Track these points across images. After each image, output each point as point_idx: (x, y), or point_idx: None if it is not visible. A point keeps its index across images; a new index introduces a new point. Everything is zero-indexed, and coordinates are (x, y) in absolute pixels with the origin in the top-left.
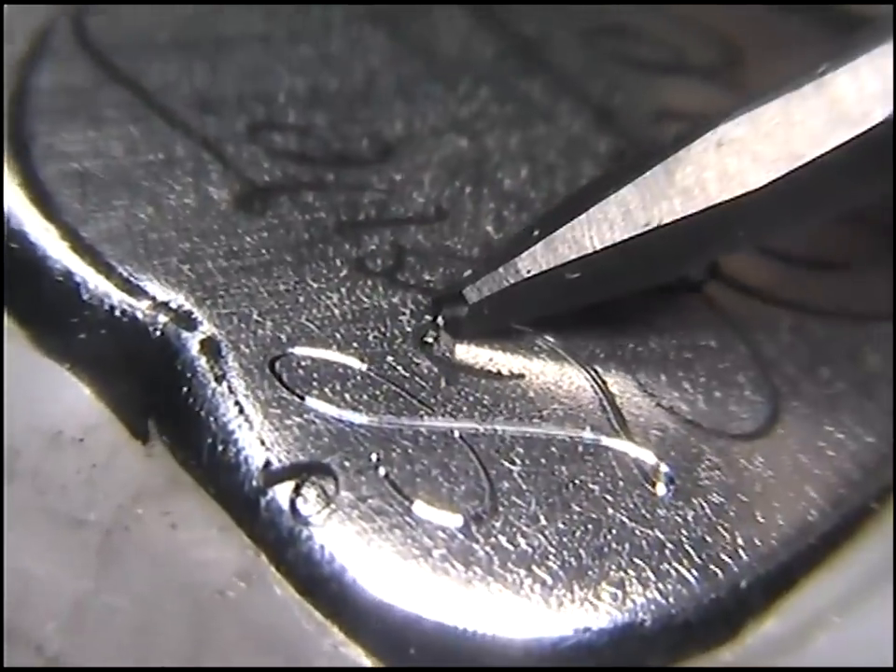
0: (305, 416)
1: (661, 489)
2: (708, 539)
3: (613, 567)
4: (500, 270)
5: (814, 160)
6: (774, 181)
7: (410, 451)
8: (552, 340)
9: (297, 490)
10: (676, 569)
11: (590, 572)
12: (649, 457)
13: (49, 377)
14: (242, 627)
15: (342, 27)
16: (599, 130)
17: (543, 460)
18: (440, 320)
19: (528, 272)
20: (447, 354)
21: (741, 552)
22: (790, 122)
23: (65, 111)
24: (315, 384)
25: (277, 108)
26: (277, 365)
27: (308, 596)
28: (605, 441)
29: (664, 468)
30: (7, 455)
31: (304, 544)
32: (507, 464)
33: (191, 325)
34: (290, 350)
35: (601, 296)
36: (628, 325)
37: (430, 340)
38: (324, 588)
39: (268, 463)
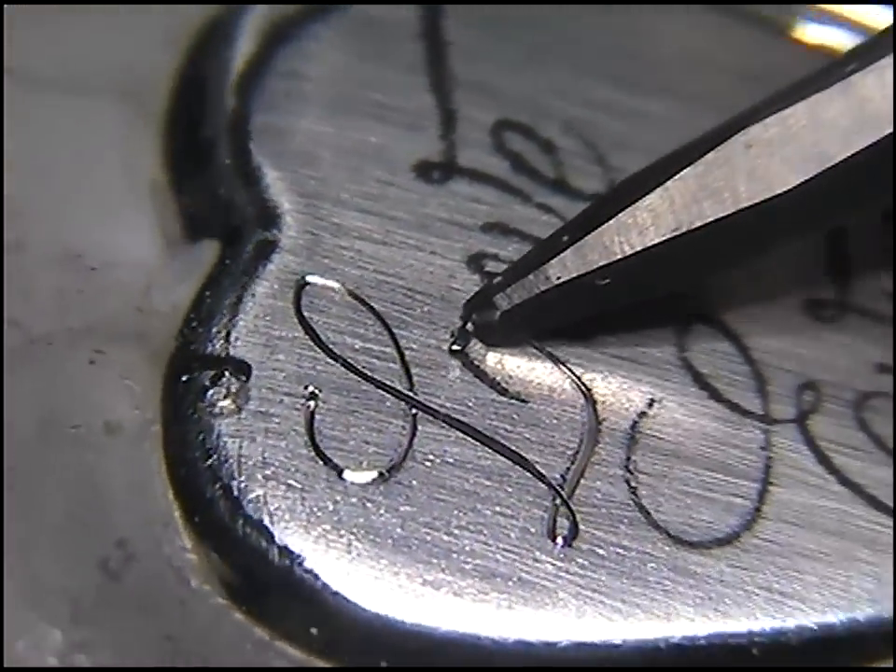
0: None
1: None
2: None
3: None
4: (531, 277)
5: (843, 160)
6: (803, 182)
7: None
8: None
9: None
10: None
11: None
12: None
13: None
14: None
15: None
16: None
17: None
18: (469, 327)
19: (558, 278)
20: (478, 361)
21: None
22: (818, 123)
23: None
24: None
25: None
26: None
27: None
28: None
29: None
30: None
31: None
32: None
33: None
34: None
35: (631, 301)
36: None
37: (458, 347)
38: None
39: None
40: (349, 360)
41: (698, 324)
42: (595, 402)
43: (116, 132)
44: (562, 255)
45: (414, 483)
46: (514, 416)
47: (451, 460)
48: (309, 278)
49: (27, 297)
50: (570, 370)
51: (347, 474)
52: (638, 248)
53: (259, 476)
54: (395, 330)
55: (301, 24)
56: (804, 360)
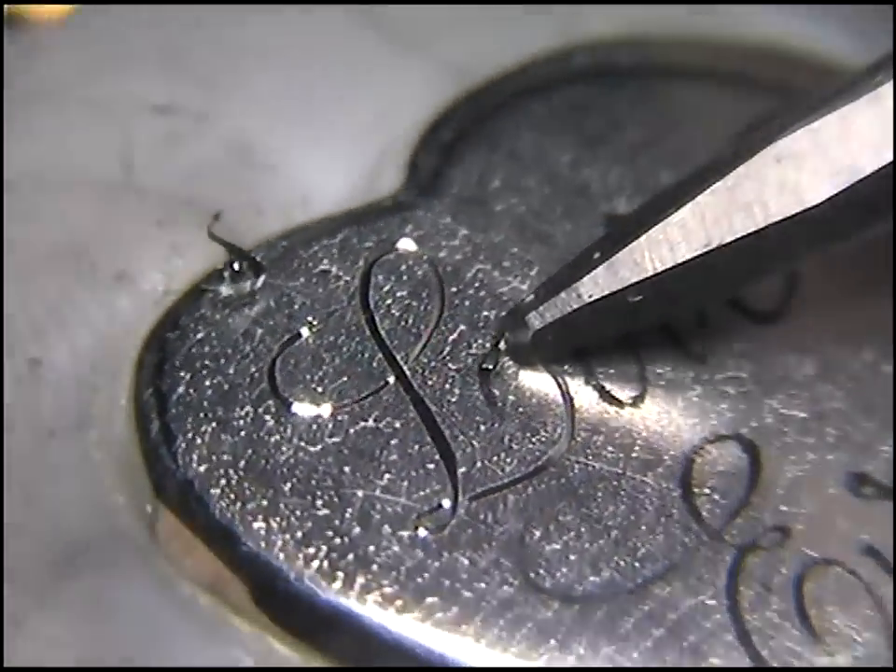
0: None
1: None
2: None
3: None
4: (562, 295)
5: (874, 172)
6: (834, 195)
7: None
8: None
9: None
10: None
11: None
12: None
13: None
14: None
15: None
16: None
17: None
18: (501, 346)
19: (590, 296)
20: (512, 380)
21: None
22: (848, 135)
23: None
24: None
25: None
26: None
27: None
28: None
29: None
30: None
31: None
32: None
33: None
34: None
35: (664, 317)
36: None
37: (490, 366)
38: None
39: None
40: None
41: None
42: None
43: None
44: (593, 272)
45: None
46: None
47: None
48: None
49: None
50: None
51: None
52: (670, 264)
53: None
54: None
55: None
56: None
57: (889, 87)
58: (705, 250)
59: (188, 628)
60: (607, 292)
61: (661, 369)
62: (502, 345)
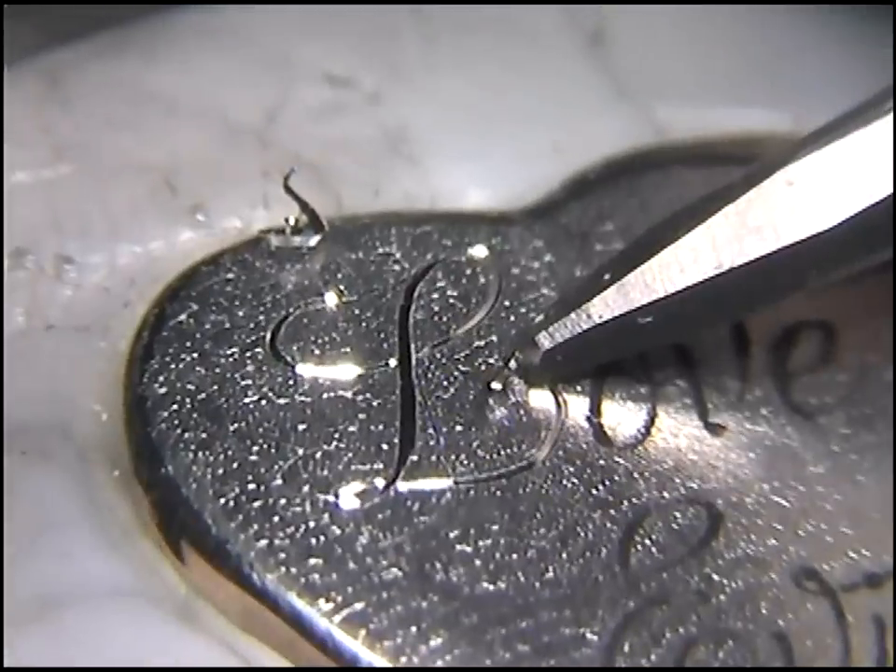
0: None
1: None
2: None
3: None
4: (573, 315)
5: (886, 197)
6: (846, 220)
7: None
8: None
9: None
10: None
11: None
12: None
13: None
14: None
15: None
16: None
17: None
18: (511, 365)
19: (600, 317)
20: (521, 400)
21: None
22: (860, 160)
23: None
24: None
25: None
26: None
27: None
28: None
29: None
30: None
31: None
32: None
33: None
34: None
35: (674, 339)
36: None
37: (498, 387)
38: None
39: None
40: None
41: None
42: None
43: None
44: (604, 293)
45: None
46: None
47: None
48: None
49: None
50: None
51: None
52: (680, 286)
53: None
54: None
55: None
56: None
57: None
58: (715, 273)
59: (91, 529)
60: (617, 313)
61: (669, 425)
62: (512, 364)
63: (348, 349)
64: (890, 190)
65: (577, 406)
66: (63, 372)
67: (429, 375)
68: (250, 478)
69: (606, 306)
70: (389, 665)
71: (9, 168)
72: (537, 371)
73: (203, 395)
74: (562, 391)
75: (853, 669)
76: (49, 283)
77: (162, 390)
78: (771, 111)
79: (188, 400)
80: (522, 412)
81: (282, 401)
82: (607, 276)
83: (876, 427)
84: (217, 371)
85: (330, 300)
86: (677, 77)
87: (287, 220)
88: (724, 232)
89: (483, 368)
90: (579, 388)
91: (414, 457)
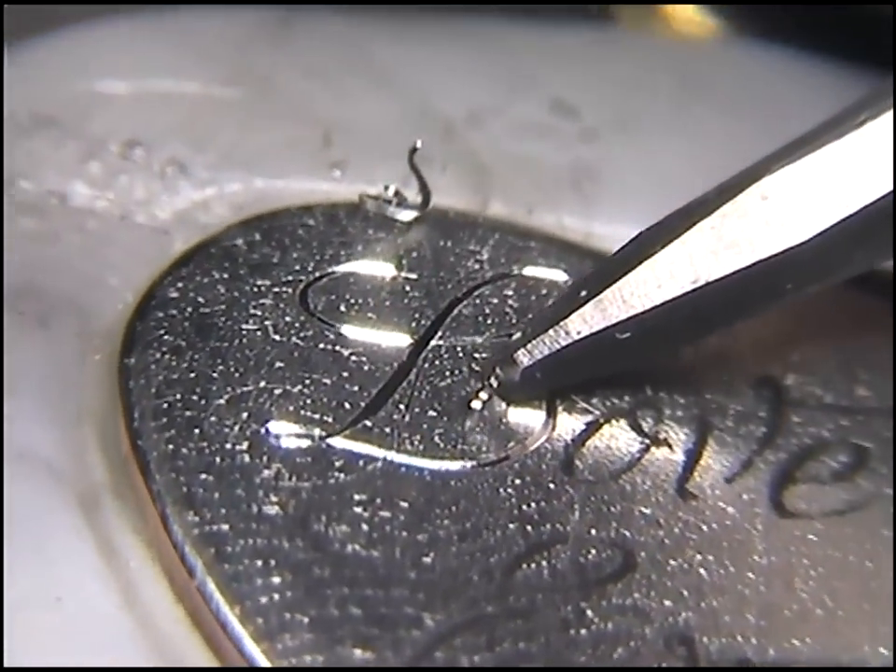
0: None
1: None
2: None
3: None
4: (551, 332)
5: (860, 209)
6: (820, 233)
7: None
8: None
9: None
10: None
11: None
12: None
13: None
14: None
15: None
16: None
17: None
18: (491, 382)
19: (578, 333)
20: (501, 419)
21: None
22: (834, 173)
23: None
24: None
25: None
26: None
27: None
28: None
29: None
30: None
31: None
32: None
33: None
34: None
35: (653, 355)
36: None
37: (478, 406)
38: None
39: None
40: None
41: None
42: None
43: None
44: (582, 309)
45: None
46: None
47: None
48: None
49: None
50: None
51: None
52: (657, 302)
53: None
54: None
55: None
56: None
57: (873, 126)
58: (692, 287)
59: (47, 401)
60: (595, 329)
61: (643, 478)
62: (493, 382)
63: (375, 316)
64: (865, 202)
65: (565, 429)
66: (107, 260)
67: (436, 363)
68: (198, 389)
69: (584, 322)
70: (220, 590)
71: (181, 75)
72: (516, 388)
73: (208, 310)
74: (557, 412)
75: (853, 669)
76: (148, 178)
77: (174, 295)
78: None
79: (190, 310)
80: (501, 423)
81: (276, 338)
82: (584, 293)
83: (847, 544)
84: (237, 294)
85: (387, 270)
86: None
87: (386, 188)
88: (700, 247)
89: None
90: (577, 417)
91: (368, 423)
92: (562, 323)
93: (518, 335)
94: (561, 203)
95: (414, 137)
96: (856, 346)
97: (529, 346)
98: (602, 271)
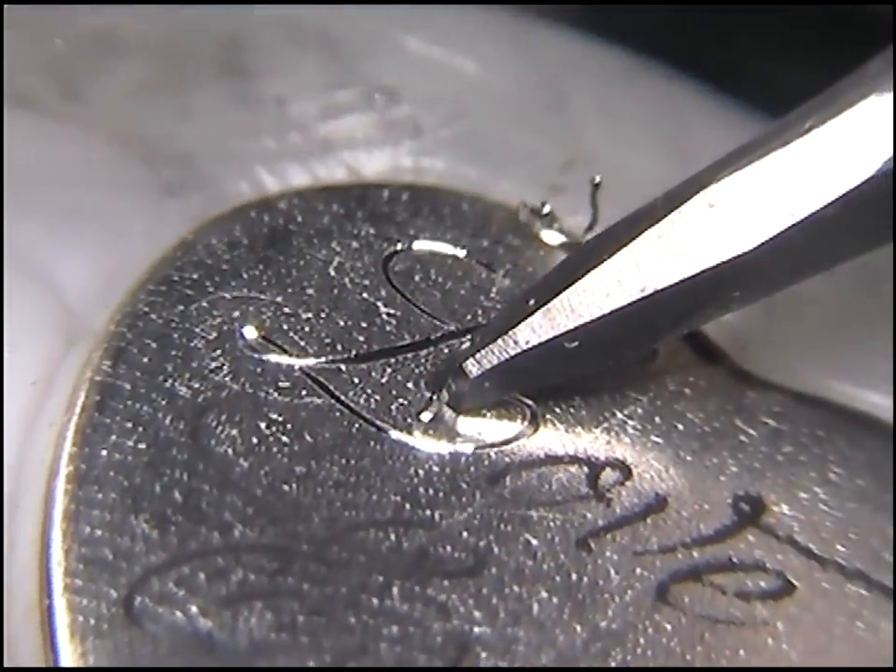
0: None
1: None
2: None
3: None
4: (499, 341)
5: (807, 217)
6: (767, 241)
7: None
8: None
9: None
10: None
11: None
12: None
13: None
14: None
15: None
16: None
17: None
18: (443, 395)
19: (527, 342)
20: (451, 428)
21: None
22: (780, 181)
23: None
24: None
25: None
26: None
27: None
28: None
29: None
30: None
31: None
32: None
33: None
34: None
35: (602, 363)
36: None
37: (429, 416)
38: None
39: None
40: None
41: None
42: None
43: None
44: (530, 319)
45: None
46: None
47: None
48: None
49: None
50: None
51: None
52: (606, 311)
53: None
54: None
55: None
56: None
57: (819, 132)
58: (640, 296)
59: None
60: (543, 339)
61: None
62: (443, 395)
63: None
64: (812, 210)
65: (527, 448)
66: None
67: (444, 345)
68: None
69: (532, 332)
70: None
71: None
72: (466, 398)
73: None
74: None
75: (853, 669)
76: None
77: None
78: None
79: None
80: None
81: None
82: (532, 301)
83: None
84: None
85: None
86: None
87: (543, 204)
88: (648, 255)
89: None
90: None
91: (342, 367)
92: (510, 332)
93: (467, 344)
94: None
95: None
96: None
97: (478, 356)
98: (549, 279)
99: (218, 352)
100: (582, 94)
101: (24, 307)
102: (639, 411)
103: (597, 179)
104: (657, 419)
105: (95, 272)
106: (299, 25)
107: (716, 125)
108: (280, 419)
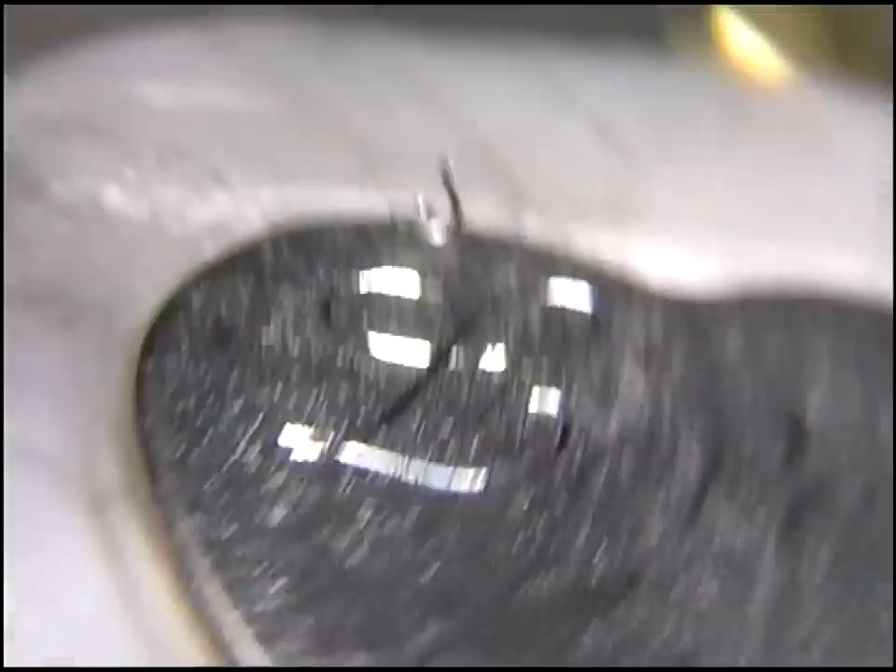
0: None
1: None
2: None
3: None
4: None
5: None
6: None
7: None
8: None
9: None
10: None
11: None
12: None
13: None
14: None
15: None
16: None
17: None
18: None
19: None
20: None
21: None
22: None
23: None
24: None
25: None
26: None
27: None
28: None
29: None
30: None
31: None
32: None
33: None
34: None
35: None
36: None
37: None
38: None
39: None
40: None
41: None
42: None
43: None
44: None
45: None
46: None
47: None
48: None
49: None
50: None
51: None
52: None
53: None
54: None
55: None
56: None
57: None
58: None
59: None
60: None
61: None
62: None
63: (395, 334)
64: None
65: None
66: (136, 266)
67: (452, 382)
68: (212, 396)
69: None
70: (219, 595)
71: (223, 84)
72: None
73: (230, 319)
74: None
75: (853, 669)
76: (183, 186)
77: (198, 303)
78: None
79: (211, 318)
80: None
81: (295, 350)
82: None
83: None
84: (260, 304)
85: (413, 289)
86: None
87: (418, 207)
88: None
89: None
90: None
91: (379, 437)
92: None
93: None
94: (598, 229)
95: (455, 156)
96: None
97: None
98: None
99: (274, 468)
100: None
101: None
102: None
103: (449, 164)
104: None
105: None
106: None
107: None
108: (373, 508)
